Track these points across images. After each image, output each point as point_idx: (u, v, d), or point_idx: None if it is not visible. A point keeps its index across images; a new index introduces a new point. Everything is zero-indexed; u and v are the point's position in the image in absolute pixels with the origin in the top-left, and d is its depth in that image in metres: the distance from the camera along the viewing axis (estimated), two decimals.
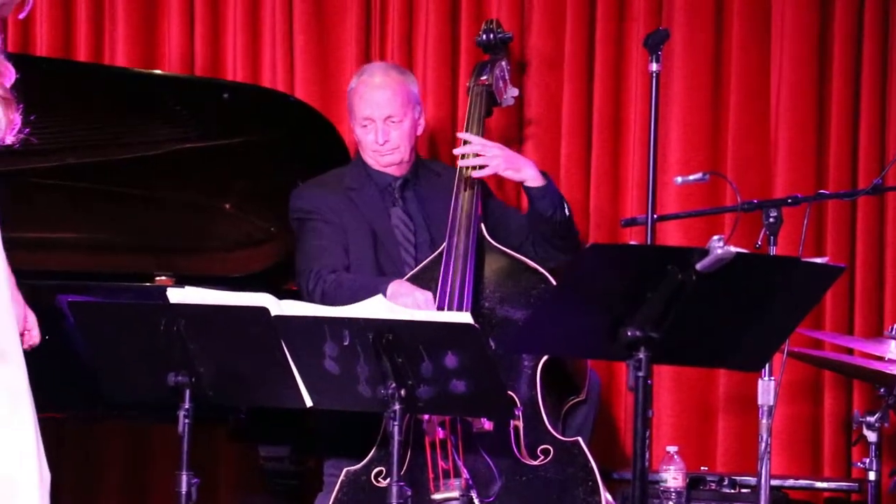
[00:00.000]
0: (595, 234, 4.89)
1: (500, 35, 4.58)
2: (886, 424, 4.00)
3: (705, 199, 4.80)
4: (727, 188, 4.73)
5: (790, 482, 4.57)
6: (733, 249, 3.00)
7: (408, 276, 4.23)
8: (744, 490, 4.41)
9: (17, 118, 3.26)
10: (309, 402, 3.54)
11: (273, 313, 3.48)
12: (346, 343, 3.43)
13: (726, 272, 3.01)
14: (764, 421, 3.95)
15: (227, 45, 5.06)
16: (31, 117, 3.30)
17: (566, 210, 4.36)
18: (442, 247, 4.23)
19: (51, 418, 3.44)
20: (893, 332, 4.06)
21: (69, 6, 5.04)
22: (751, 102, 4.89)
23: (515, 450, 4.02)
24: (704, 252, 3.00)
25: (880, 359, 4.04)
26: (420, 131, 4.47)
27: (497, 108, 4.57)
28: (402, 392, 3.40)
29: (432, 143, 4.93)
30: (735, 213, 4.20)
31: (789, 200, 4.09)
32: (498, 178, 4.52)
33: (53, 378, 3.59)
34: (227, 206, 4.78)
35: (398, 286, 4.11)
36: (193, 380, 3.56)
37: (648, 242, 4.07)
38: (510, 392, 3.96)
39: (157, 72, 4.98)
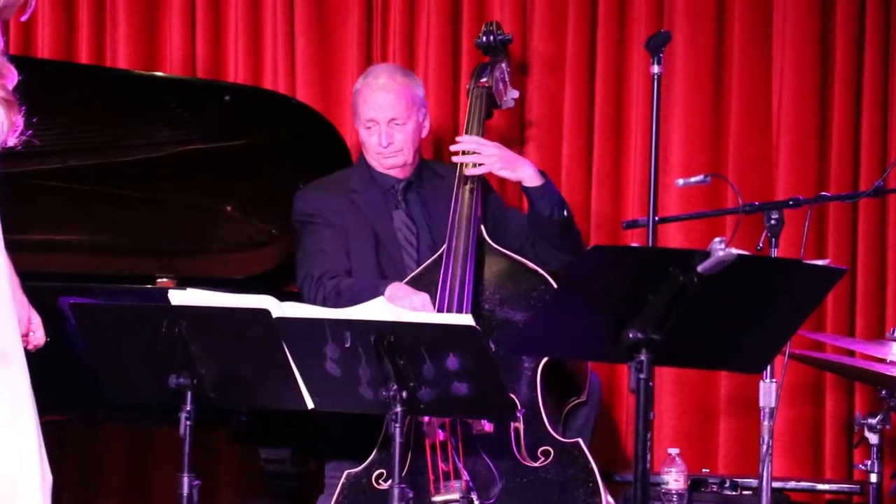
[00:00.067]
0: (596, 236, 4.90)
1: (499, 37, 4.58)
2: (888, 426, 3.99)
3: (707, 201, 4.81)
4: (728, 190, 4.73)
5: (791, 484, 4.57)
6: (735, 251, 3.00)
7: (408, 277, 4.23)
8: (745, 492, 4.41)
9: (20, 120, 3.27)
10: (310, 404, 3.54)
11: (274, 315, 3.48)
12: (347, 345, 3.43)
13: (728, 274, 3.01)
14: (765, 423, 3.95)
15: (229, 46, 5.06)
16: (34, 119, 3.30)
17: (565, 210, 4.35)
18: (442, 249, 4.23)
19: (52, 420, 3.44)
20: (895, 334, 4.06)
21: (71, 8, 5.04)
22: (752, 104, 4.89)
23: (516, 451, 4.02)
24: (706, 254, 3.00)
25: (882, 361, 4.04)
26: (425, 134, 4.47)
27: (497, 109, 4.57)
28: (404, 394, 3.41)
29: (433, 144, 4.93)
30: (736, 215, 4.20)
31: (791, 202, 4.09)
32: (500, 180, 4.52)
33: (55, 380, 3.59)
34: (229, 208, 4.79)
35: (395, 289, 4.11)
36: (195, 382, 3.56)
37: (650, 244, 4.07)
38: (510, 394, 3.96)
39: (159, 74, 4.98)
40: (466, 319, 3.40)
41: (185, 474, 3.59)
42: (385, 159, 4.40)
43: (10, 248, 3.31)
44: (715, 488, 4.42)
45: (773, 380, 3.95)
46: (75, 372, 3.97)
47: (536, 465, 4.01)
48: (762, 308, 3.15)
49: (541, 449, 4.02)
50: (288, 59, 5.01)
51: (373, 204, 4.40)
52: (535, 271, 4.18)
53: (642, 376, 3.10)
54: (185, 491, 3.58)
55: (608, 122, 4.94)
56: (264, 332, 3.48)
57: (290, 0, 5.01)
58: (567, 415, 4.22)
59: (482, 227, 4.27)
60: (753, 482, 4.34)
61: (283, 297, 3.62)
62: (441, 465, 4.00)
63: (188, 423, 3.56)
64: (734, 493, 4.41)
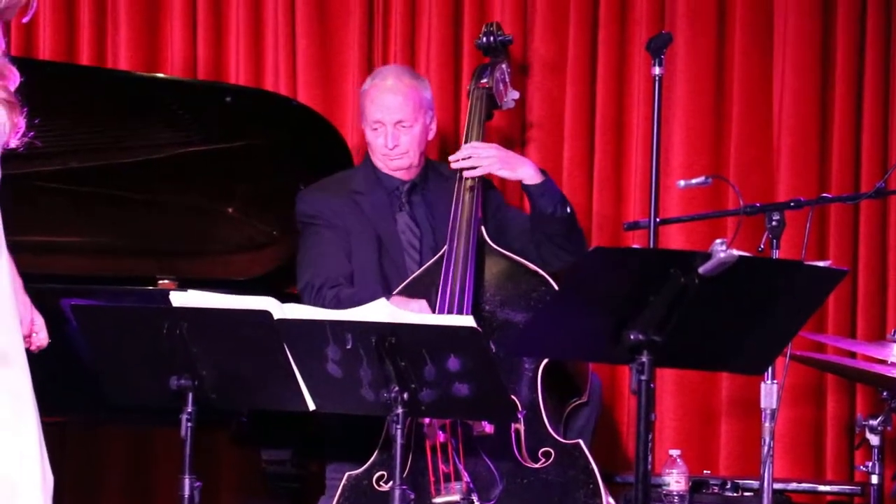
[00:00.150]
0: (597, 238, 4.89)
1: (500, 38, 4.58)
2: (889, 428, 3.99)
3: (708, 203, 4.81)
4: (730, 192, 4.73)
5: (793, 486, 4.57)
6: (736, 253, 3.00)
7: (409, 279, 4.23)
8: (746, 493, 4.41)
9: (22, 122, 3.27)
10: (311, 406, 3.54)
11: (276, 317, 3.48)
12: (348, 346, 3.43)
13: (729, 276, 3.01)
14: (766, 424, 3.95)
15: (230, 48, 5.06)
16: (35, 121, 3.30)
17: (567, 207, 4.36)
18: (443, 250, 4.23)
19: (53, 422, 3.44)
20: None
21: (72, 10, 5.05)
22: (753, 106, 4.89)
23: (516, 452, 4.02)
24: (707, 256, 3.00)
25: (883, 362, 4.04)
26: (431, 136, 4.47)
27: (498, 110, 4.57)
28: (405, 395, 3.41)
29: (433, 145, 4.93)
30: (738, 216, 4.20)
31: (792, 204, 4.09)
32: (501, 180, 4.52)
33: (56, 381, 3.59)
34: (230, 209, 4.79)
35: (393, 301, 4.10)
36: (196, 383, 3.56)
37: (651, 246, 4.07)
38: (511, 395, 3.95)
39: (160, 75, 4.98)
40: (467, 321, 3.40)
41: (186, 476, 3.58)
42: (391, 161, 4.40)
43: (12, 250, 3.31)
44: (716, 490, 4.42)
45: (775, 381, 3.95)
46: (76, 373, 3.98)
47: (537, 466, 4.01)
48: (763, 309, 3.15)
49: (541, 450, 4.02)
50: (289, 60, 5.01)
51: (376, 206, 4.40)
52: (536, 272, 4.18)
53: (643, 377, 3.10)
54: (186, 492, 3.58)
55: (609, 124, 4.94)
56: (265, 334, 3.48)
57: (292, 1, 5.01)
58: (568, 416, 4.22)
59: (482, 229, 4.27)
60: (754, 483, 4.34)
61: (284, 298, 3.62)
62: (442, 467, 4.00)
63: (189, 424, 3.56)
64: (735, 494, 4.41)
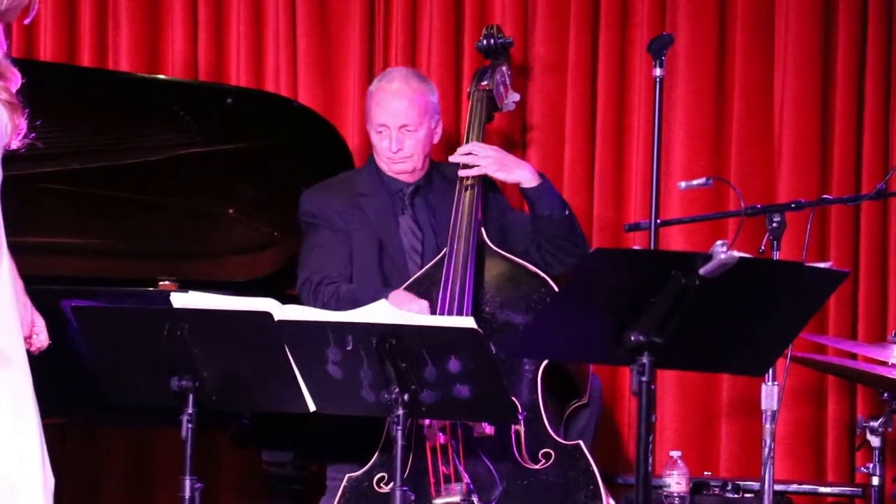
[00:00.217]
0: (598, 239, 4.89)
1: (500, 40, 4.59)
2: (890, 429, 4.00)
3: (709, 204, 4.81)
4: (731, 193, 4.73)
5: (793, 487, 4.57)
6: (737, 254, 3.00)
7: (409, 281, 4.24)
8: (747, 495, 4.41)
9: (23, 123, 3.27)
10: (312, 407, 3.54)
11: (276, 318, 3.48)
12: (349, 348, 3.43)
13: (730, 277, 3.01)
14: (767, 426, 3.95)
15: (231, 49, 5.06)
16: (37, 122, 3.31)
17: (566, 209, 4.36)
18: (443, 252, 4.23)
19: (54, 423, 3.44)
20: None
21: (73, 11, 5.05)
22: (754, 107, 4.89)
23: (516, 454, 4.02)
24: (708, 257, 3.00)
25: (884, 363, 4.04)
26: (436, 140, 4.46)
27: (498, 113, 4.57)
28: (406, 397, 3.41)
29: (435, 148, 4.92)
30: (738, 217, 4.20)
31: (793, 205, 4.09)
32: (502, 184, 4.51)
33: (57, 382, 3.59)
34: (231, 210, 4.79)
35: (395, 297, 4.11)
36: (197, 384, 3.56)
37: (652, 247, 4.07)
38: (511, 396, 3.95)
39: (161, 77, 4.98)
40: (468, 322, 3.41)
41: (187, 477, 3.59)
42: (394, 164, 4.40)
43: (13, 251, 3.31)
44: (717, 491, 4.42)
45: (775, 382, 3.95)
46: (77, 375, 3.98)
47: (537, 467, 4.01)
48: (764, 311, 3.15)
49: (542, 451, 4.02)
50: (290, 61, 5.01)
51: (379, 208, 4.40)
52: (536, 274, 4.18)
53: (644, 379, 3.10)
54: (187, 493, 3.58)
55: (610, 126, 4.94)
56: (266, 335, 3.49)
57: (292, 3, 5.01)
58: (568, 417, 4.22)
59: (483, 230, 4.27)
60: (755, 485, 4.34)
61: (285, 299, 3.62)
62: (442, 468, 4.00)
63: (190, 425, 3.56)
64: (736, 495, 4.41)
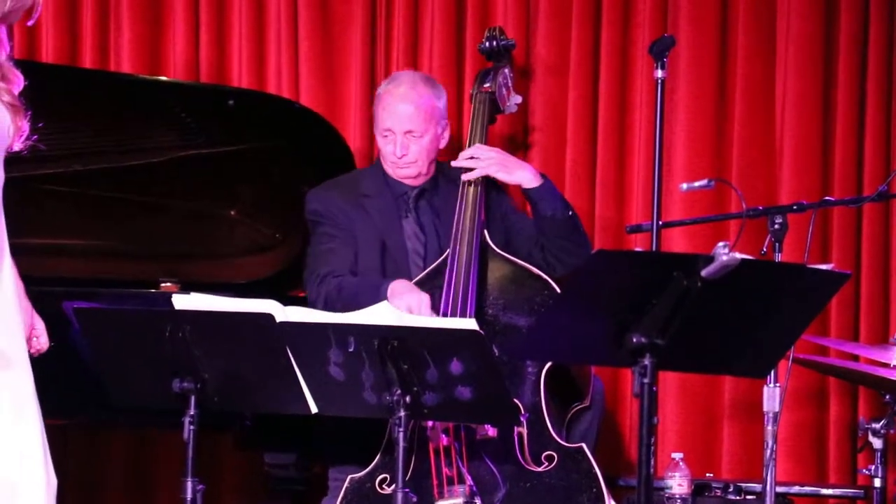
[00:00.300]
0: (600, 241, 4.89)
1: (502, 42, 4.59)
2: (892, 431, 3.99)
3: (710, 206, 4.80)
4: (732, 195, 4.73)
5: (795, 489, 4.57)
6: (738, 256, 3.00)
7: (412, 281, 4.23)
8: (749, 497, 4.41)
9: (25, 125, 3.27)
10: (314, 409, 3.54)
11: (278, 320, 3.48)
12: (351, 349, 3.43)
13: (731, 279, 3.01)
14: (769, 427, 3.95)
15: (233, 51, 5.06)
16: (39, 124, 3.31)
17: (568, 210, 4.36)
18: (446, 253, 4.23)
19: (55, 424, 3.44)
20: None
21: (75, 13, 5.05)
22: (756, 109, 4.89)
23: (519, 456, 4.02)
24: (710, 259, 3.00)
25: (886, 365, 4.04)
26: (443, 145, 4.45)
27: (500, 115, 4.58)
28: (408, 398, 3.41)
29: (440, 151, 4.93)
30: (740, 219, 4.20)
31: (794, 207, 4.09)
32: (506, 185, 4.51)
33: (59, 384, 3.59)
34: (233, 212, 4.79)
35: (396, 285, 4.12)
36: (199, 386, 3.56)
37: (653, 249, 4.07)
38: (514, 398, 3.95)
39: (163, 78, 4.98)
40: (470, 324, 3.41)
41: (189, 478, 3.58)
42: (398, 169, 4.39)
43: (15, 252, 3.32)
44: (719, 493, 4.42)
45: (777, 384, 3.95)
46: (79, 376, 3.98)
47: (540, 469, 4.01)
48: (766, 313, 3.15)
49: (544, 454, 4.02)
50: (292, 63, 5.01)
51: (383, 210, 4.39)
52: (539, 276, 4.18)
53: (646, 381, 3.10)
54: (189, 495, 3.58)
55: (611, 127, 4.94)
56: (268, 337, 3.49)
57: (294, 5, 5.01)
58: (570, 420, 4.22)
59: (485, 232, 4.27)
60: (757, 487, 4.34)
61: (286, 301, 3.62)
62: (445, 470, 4.00)
63: (192, 427, 3.56)
64: (738, 497, 4.41)
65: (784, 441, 4.73)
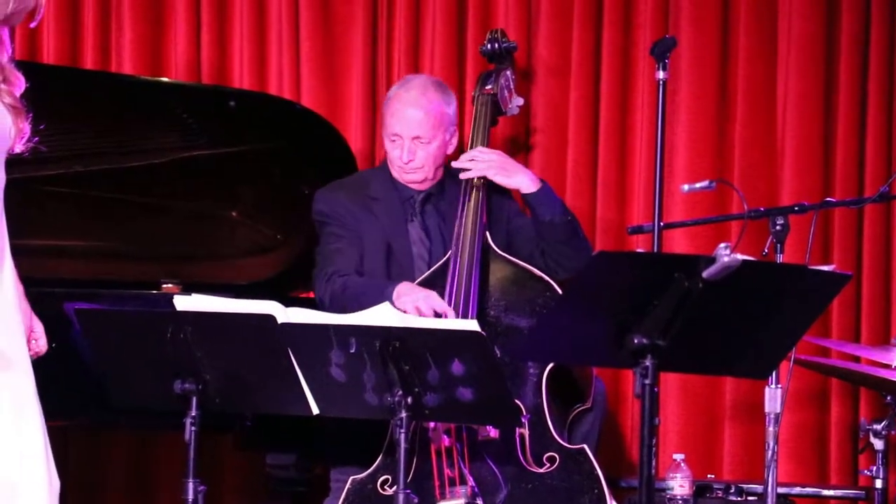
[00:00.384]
0: (601, 242, 4.89)
1: (504, 44, 4.58)
2: (893, 432, 3.99)
3: (712, 207, 4.80)
4: (734, 196, 4.73)
5: (797, 490, 4.57)
6: (740, 257, 3.00)
7: (415, 282, 4.23)
8: (750, 498, 4.41)
9: (27, 127, 3.27)
10: (315, 410, 3.54)
11: (279, 321, 3.48)
12: (352, 350, 3.43)
13: (733, 280, 3.01)
14: (770, 429, 3.95)
15: (234, 52, 5.06)
16: (40, 126, 3.31)
17: (567, 215, 4.37)
18: (448, 255, 4.23)
19: (56, 425, 3.44)
20: None
21: (76, 14, 5.05)
22: (757, 110, 4.89)
23: (521, 457, 4.02)
24: (711, 260, 3.00)
25: (887, 367, 4.04)
26: (451, 151, 4.44)
27: (502, 117, 4.58)
28: (409, 399, 3.41)
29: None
30: (742, 220, 4.20)
31: (796, 208, 4.09)
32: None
33: (60, 385, 3.59)
34: (234, 213, 4.79)
35: (403, 287, 4.12)
36: (200, 387, 3.56)
37: (655, 250, 4.07)
38: (516, 400, 3.95)
39: (164, 79, 4.98)
40: (471, 325, 3.41)
41: (191, 479, 3.58)
42: (405, 174, 4.39)
43: (17, 254, 3.32)
44: (720, 494, 4.42)
45: (779, 385, 3.95)
46: (80, 377, 3.98)
47: (542, 471, 4.01)
48: (767, 314, 3.15)
49: (546, 455, 4.02)
50: (293, 64, 5.01)
51: (389, 213, 4.39)
52: (541, 278, 4.18)
53: (647, 382, 3.10)
54: (191, 496, 3.58)
55: (613, 128, 4.94)
56: (269, 338, 3.49)
57: (296, 5, 5.01)
58: (572, 421, 4.22)
59: (487, 234, 4.27)
60: (759, 488, 4.34)
61: (288, 302, 3.62)
62: (446, 471, 4.00)
63: (193, 428, 3.56)
64: (739, 498, 4.41)
65: (785, 442, 4.73)
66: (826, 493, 4.63)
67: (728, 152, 4.91)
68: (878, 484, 4.04)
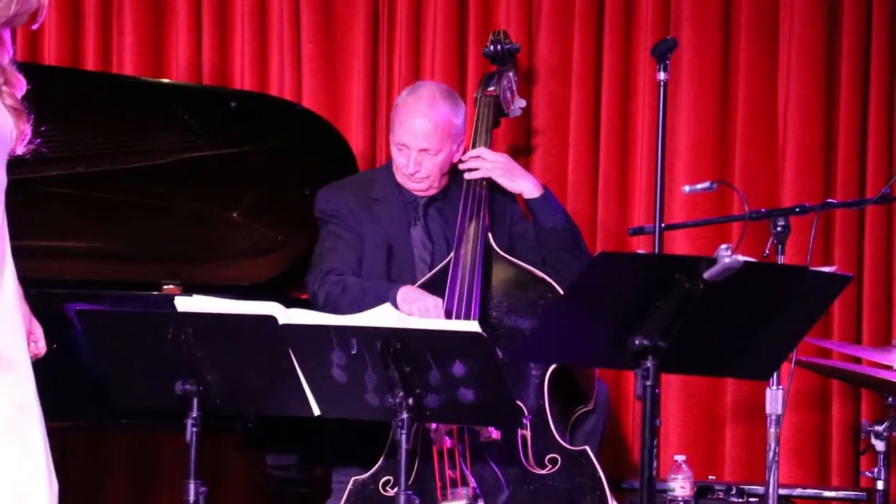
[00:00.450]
0: (603, 243, 4.90)
1: (507, 46, 4.58)
2: (895, 433, 3.99)
3: (713, 208, 4.81)
4: (735, 197, 4.73)
5: (798, 491, 4.57)
6: (741, 258, 3.00)
7: (416, 284, 4.23)
8: (751, 499, 4.41)
9: (28, 129, 3.28)
10: (316, 411, 3.54)
11: (280, 322, 3.48)
12: (353, 351, 3.43)
13: (734, 281, 3.01)
14: (772, 430, 3.95)
15: (235, 53, 5.07)
16: (42, 128, 3.31)
17: (568, 221, 4.37)
18: (450, 256, 4.23)
19: (58, 427, 3.44)
20: None
21: (77, 16, 5.05)
22: (758, 111, 4.89)
23: (523, 459, 4.02)
24: (712, 261, 3.00)
25: (888, 368, 4.04)
26: (456, 159, 4.41)
27: (504, 118, 4.58)
28: (410, 401, 3.40)
29: None
30: (743, 221, 4.20)
31: (797, 209, 4.09)
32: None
33: (61, 386, 3.59)
34: (235, 214, 4.79)
35: (407, 291, 4.12)
36: (201, 388, 3.56)
37: (656, 251, 4.07)
38: (518, 401, 3.95)
39: (165, 80, 4.99)
40: (473, 326, 3.41)
41: (192, 481, 3.59)
42: (409, 183, 4.37)
43: (18, 255, 3.32)
44: (721, 495, 4.42)
45: (780, 387, 3.95)
46: (81, 378, 3.98)
47: (544, 472, 4.01)
48: (768, 315, 3.14)
49: (548, 456, 4.02)
50: (294, 65, 5.01)
51: (392, 215, 4.38)
52: (543, 279, 4.18)
53: (648, 383, 3.10)
54: (192, 497, 3.58)
55: (614, 130, 4.94)
56: (270, 339, 3.49)
57: (297, 7, 5.01)
58: (574, 423, 4.22)
59: (490, 235, 4.27)
60: (760, 489, 4.34)
61: (289, 303, 3.62)
62: (448, 472, 4.00)
63: (194, 429, 3.56)
64: (740, 499, 4.41)
65: (786, 443, 4.73)
66: (827, 494, 4.63)
67: (729, 153, 4.91)
68: (880, 485, 4.04)
